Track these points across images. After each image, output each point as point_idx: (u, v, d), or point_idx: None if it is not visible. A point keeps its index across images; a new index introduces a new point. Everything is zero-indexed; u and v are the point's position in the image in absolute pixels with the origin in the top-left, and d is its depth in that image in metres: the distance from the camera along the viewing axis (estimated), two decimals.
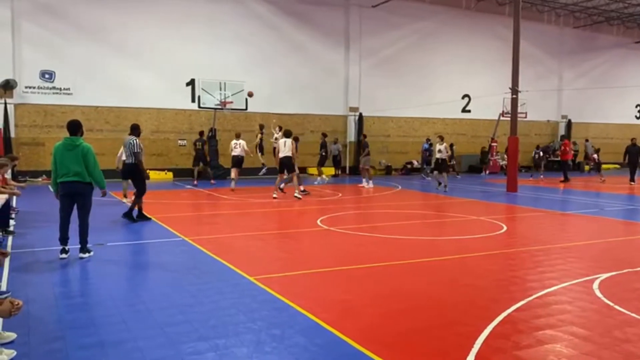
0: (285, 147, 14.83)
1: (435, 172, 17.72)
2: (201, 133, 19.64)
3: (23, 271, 6.69)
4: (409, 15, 26.15)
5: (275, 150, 16.23)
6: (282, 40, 23.61)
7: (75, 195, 7.40)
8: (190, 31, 21.68)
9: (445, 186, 17.08)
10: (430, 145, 25.12)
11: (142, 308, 5.36)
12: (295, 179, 15.08)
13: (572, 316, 5.12)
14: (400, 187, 19.02)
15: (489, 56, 28.13)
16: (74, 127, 7.47)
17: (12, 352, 4.06)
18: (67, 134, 7.48)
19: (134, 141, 10.57)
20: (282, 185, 15.88)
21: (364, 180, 19.08)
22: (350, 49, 25.12)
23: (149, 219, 10.73)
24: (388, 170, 25.95)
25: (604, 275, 6.54)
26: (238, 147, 17.04)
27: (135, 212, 10.75)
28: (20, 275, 6.49)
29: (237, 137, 17.40)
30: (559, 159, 29.49)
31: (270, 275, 6.48)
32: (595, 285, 6.13)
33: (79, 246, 7.45)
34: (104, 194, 7.82)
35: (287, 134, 15.25)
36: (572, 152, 28.15)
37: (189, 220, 11.64)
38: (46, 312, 5.16)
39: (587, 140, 30.39)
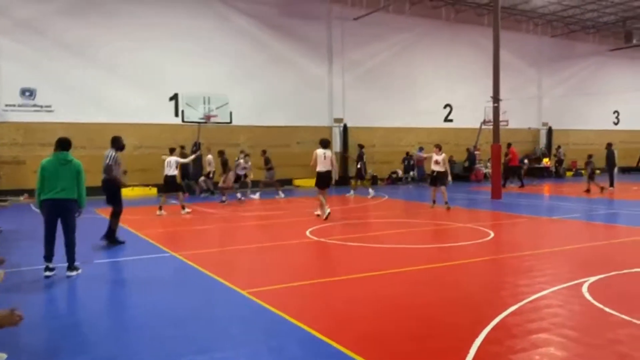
0: (325, 159, 12.69)
1: (432, 187, 15.21)
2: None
3: (9, 291, 6.56)
4: (390, 27, 26.43)
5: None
6: (265, 54, 23.70)
7: (62, 212, 7.30)
8: (173, 45, 21.67)
9: (447, 203, 14.56)
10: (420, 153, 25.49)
11: (135, 324, 5.31)
12: (320, 196, 13.10)
13: (564, 319, 5.18)
14: (386, 197, 19.10)
15: (470, 66, 28.51)
16: (66, 144, 7.46)
17: None
18: (50, 151, 7.44)
19: (109, 153, 9.67)
20: (242, 197, 16.98)
21: (280, 192, 19.23)
22: (334, 61, 25.30)
23: (122, 242, 9.74)
24: (374, 180, 26.02)
25: (593, 279, 6.63)
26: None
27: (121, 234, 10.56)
28: (6, 295, 6.36)
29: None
30: (541, 165, 30.14)
31: (262, 288, 6.45)
32: (585, 288, 6.21)
33: (67, 264, 7.34)
34: (80, 214, 7.53)
35: (325, 144, 13.04)
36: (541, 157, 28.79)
37: (176, 235, 11.54)
38: (37, 331, 5.07)
39: (559, 147, 31.06)
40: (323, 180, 12.91)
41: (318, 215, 13.02)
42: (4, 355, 4.30)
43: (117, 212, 9.69)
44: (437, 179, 14.92)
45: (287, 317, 5.33)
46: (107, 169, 9.59)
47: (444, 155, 14.91)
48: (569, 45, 32.83)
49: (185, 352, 4.43)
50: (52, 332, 5.06)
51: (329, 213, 12.61)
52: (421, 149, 25.92)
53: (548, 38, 32.01)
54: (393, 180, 26.50)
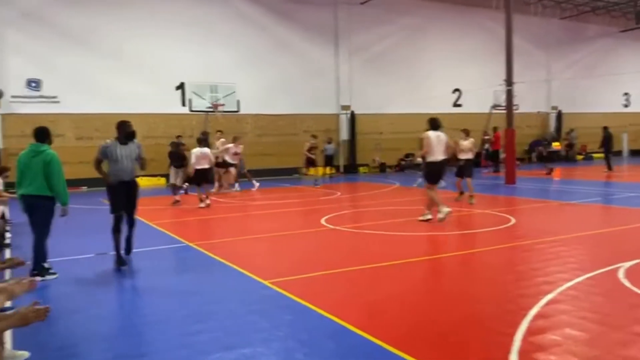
0: (439, 145, 9.83)
1: (457, 178, 13.23)
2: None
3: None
4: (397, 11, 26.00)
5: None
6: (271, 40, 23.36)
7: (31, 210, 6.58)
8: (178, 34, 21.35)
9: (471, 197, 12.77)
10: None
11: (156, 319, 5.12)
12: (433, 192, 10.11)
13: (607, 308, 4.95)
14: (397, 184, 18.85)
15: (478, 49, 28.07)
16: (41, 134, 6.68)
17: None
18: (56, 142, 6.91)
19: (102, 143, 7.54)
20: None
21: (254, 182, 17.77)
22: (340, 46, 24.93)
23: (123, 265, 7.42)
24: (382, 167, 25.78)
25: (627, 264, 6.38)
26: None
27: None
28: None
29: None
30: (552, 149, 29.79)
31: (285, 278, 6.24)
32: (621, 274, 5.97)
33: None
34: (64, 213, 6.65)
35: (436, 125, 10.02)
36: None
37: (190, 225, 11.35)
38: (58, 327, 4.87)
39: (572, 131, 30.71)
40: (437, 172, 10.11)
41: (427, 219, 10.06)
42: (26, 354, 4.11)
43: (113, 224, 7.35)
44: (464, 169, 12.85)
45: (314, 308, 5.12)
46: (94, 164, 7.35)
47: (471, 140, 12.97)
48: (578, 27, 32.28)
49: (213, 348, 4.22)
50: (73, 328, 4.87)
51: (449, 212, 9.90)
52: None
53: (557, 20, 31.47)
54: (402, 167, 26.23)
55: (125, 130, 7.46)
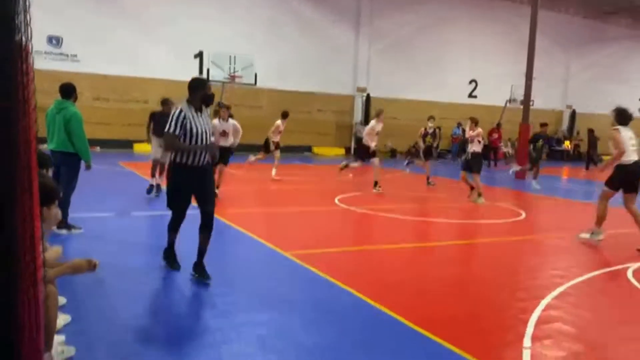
0: (633, 142, 7.79)
1: (466, 172, 11.89)
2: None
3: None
4: None
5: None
6: (293, 16, 23.34)
7: (58, 165, 6.66)
8: (201, 2, 21.34)
9: (479, 195, 11.49)
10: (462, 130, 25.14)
11: (180, 280, 5.33)
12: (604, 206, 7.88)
13: (616, 303, 5.15)
14: (408, 171, 18.97)
15: (498, 43, 27.97)
16: (65, 90, 6.82)
17: (68, 318, 4.01)
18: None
19: (172, 111, 5.47)
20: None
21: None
22: (361, 28, 24.88)
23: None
24: (393, 153, 25.89)
25: (636, 265, 6.56)
26: None
27: None
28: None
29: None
30: (562, 148, 29.82)
31: (305, 251, 6.44)
32: (630, 274, 6.16)
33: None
34: (88, 167, 6.96)
35: (626, 118, 8.16)
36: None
37: None
38: (87, 280, 5.06)
39: (592, 131, 30.62)
40: (633, 177, 7.63)
41: (599, 239, 7.76)
42: (63, 300, 4.32)
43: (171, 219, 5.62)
44: (470, 163, 11.76)
45: (333, 280, 5.30)
46: (165, 140, 5.60)
47: (479, 130, 11.70)
48: (601, 28, 32.01)
49: (242, 309, 4.43)
50: (100, 284, 5.03)
51: (601, 239, 7.77)
52: (459, 125, 25.60)
53: (580, 19, 31.22)
54: (412, 154, 26.35)
55: (205, 92, 5.30)
